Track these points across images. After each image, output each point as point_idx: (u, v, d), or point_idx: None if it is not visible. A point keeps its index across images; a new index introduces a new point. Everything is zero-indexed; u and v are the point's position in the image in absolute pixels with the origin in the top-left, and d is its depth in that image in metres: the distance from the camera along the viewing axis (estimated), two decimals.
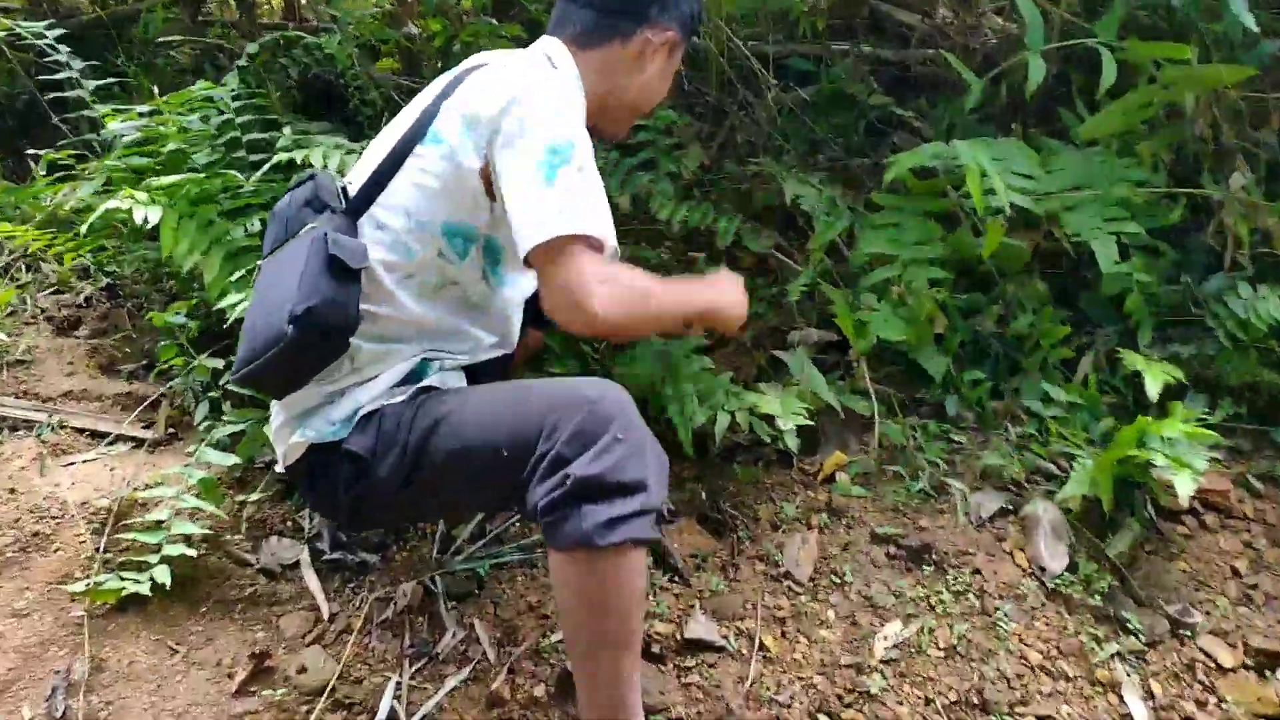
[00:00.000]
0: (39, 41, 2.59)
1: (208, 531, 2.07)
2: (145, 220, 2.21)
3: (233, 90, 2.88)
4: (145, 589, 1.97)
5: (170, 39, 3.51)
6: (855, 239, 2.62)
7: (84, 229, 2.25)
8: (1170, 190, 2.44)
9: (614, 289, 1.56)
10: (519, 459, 1.59)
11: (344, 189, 1.81)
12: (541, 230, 1.54)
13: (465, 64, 1.85)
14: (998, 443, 2.37)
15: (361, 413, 1.72)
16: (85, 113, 2.65)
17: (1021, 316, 2.52)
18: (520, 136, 1.61)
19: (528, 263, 1.58)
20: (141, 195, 2.25)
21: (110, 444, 2.34)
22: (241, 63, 2.93)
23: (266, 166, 2.43)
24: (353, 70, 3.03)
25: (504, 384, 1.77)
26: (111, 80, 3.06)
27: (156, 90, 2.70)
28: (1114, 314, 2.52)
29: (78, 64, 2.62)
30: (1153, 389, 2.21)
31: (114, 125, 2.47)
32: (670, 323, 1.74)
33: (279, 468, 1.83)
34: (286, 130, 2.63)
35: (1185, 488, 1.99)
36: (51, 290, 2.75)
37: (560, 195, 1.55)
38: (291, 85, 3.27)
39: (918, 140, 3.08)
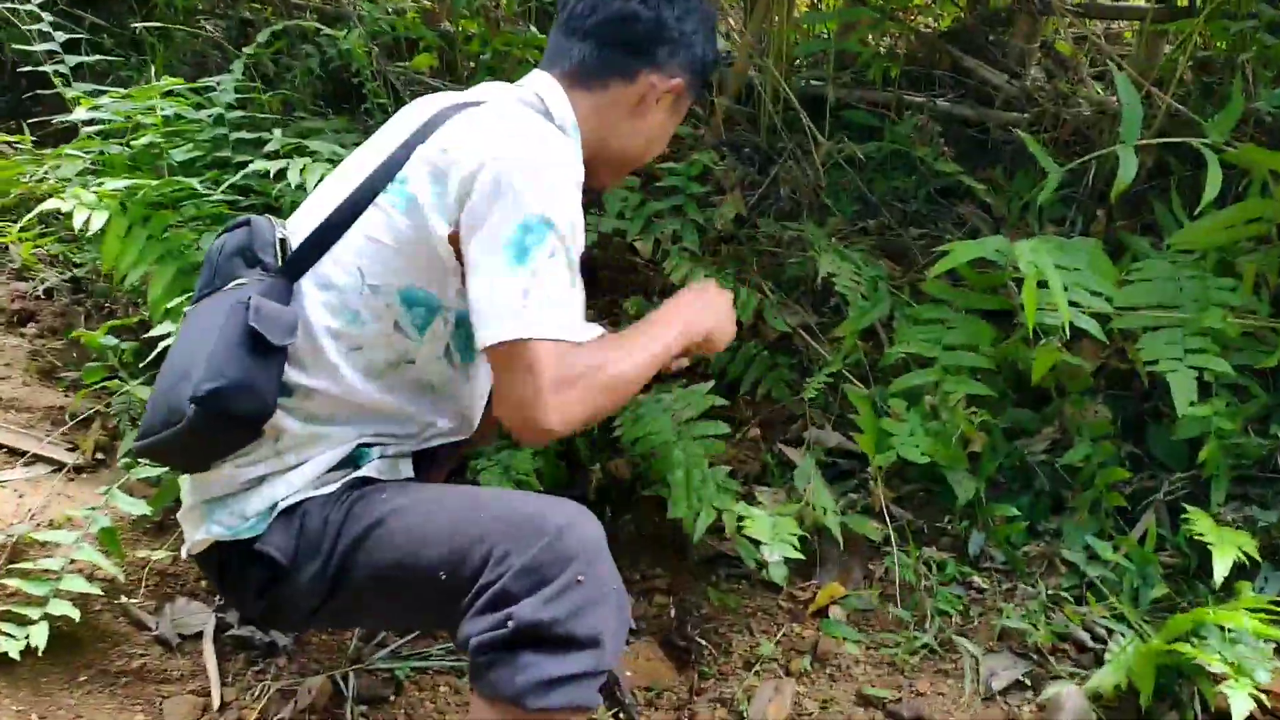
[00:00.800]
0: (20, 7, 2.36)
1: (98, 592, 1.82)
2: (87, 224, 1.97)
3: (236, 79, 2.64)
4: (16, 650, 1.73)
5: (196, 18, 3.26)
6: (894, 329, 2.28)
7: (19, 225, 2.01)
8: (1272, 323, 2.06)
9: (570, 395, 1.33)
10: (458, 586, 1.35)
11: (283, 240, 1.54)
12: (499, 328, 1.32)
13: (450, 100, 1.57)
14: (1025, 597, 2.02)
15: (281, 507, 1.45)
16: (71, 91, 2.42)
17: (1077, 445, 2.15)
18: (492, 207, 1.34)
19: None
20: (89, 195, 2.01)
21: (27, 464, 2.10)
22: (249, 50, 2.68)
23: (237, 176, 2.18)
24: (370, 67, 2.77)
25: (454, 489, 1.50)
26: (114, 56, 2.85)
27: (143, 70, 2.46)
28: (1186, 460, 2.14)
29: (62, 36, 2.37)
30: (1220, 567, 1.83)
31: (80, 112, 2.23)
32: (646, 379, 1.49)
33: (184, 553, 1.57)
34: (278, 133, 2.37)
35: (1241, 706, 1.63)
36: (13, 276, 2.53)
37: (524, 285, 1.31)
38: (317, 76, 3.02)
39: (986, 216, 2.72)
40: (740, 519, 1.90)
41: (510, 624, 1.28)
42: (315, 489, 1.47)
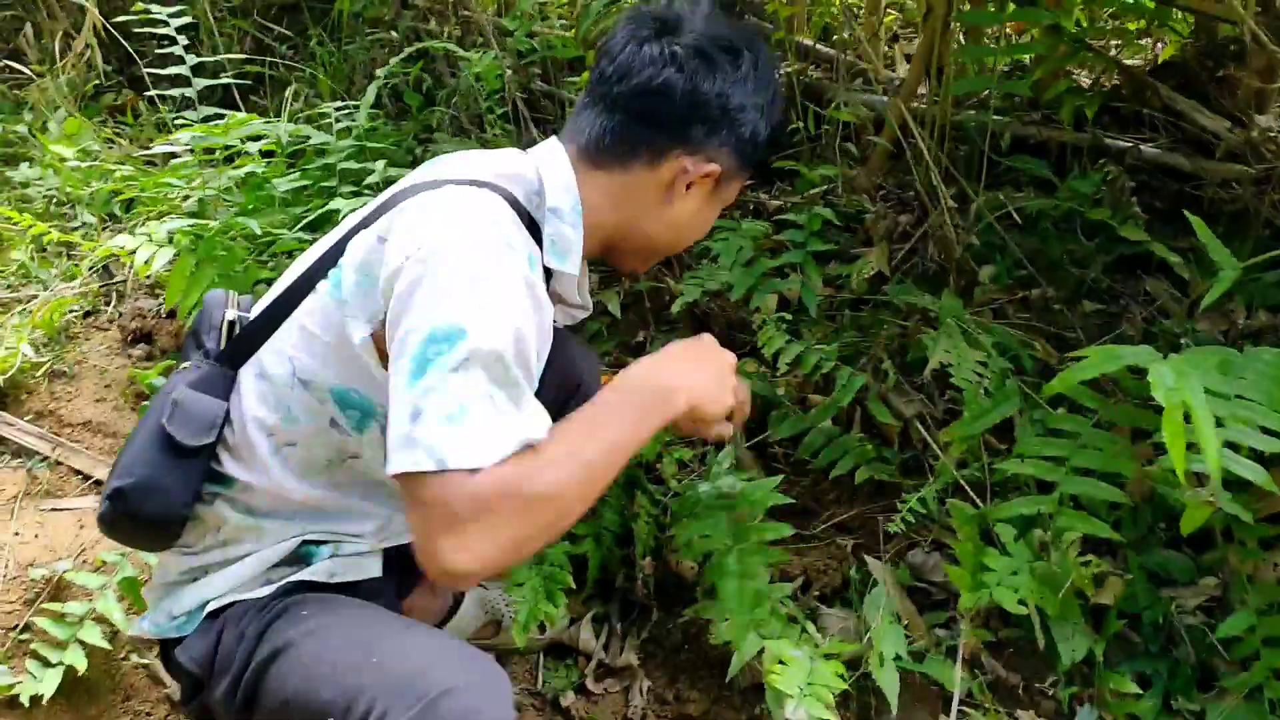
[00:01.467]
0: (158, 31, 2.40)
1: (107, 646, 1.81)
2: (149, 261, 1.96)
3: (369, 103, 2.60)
4: (27, 695, 1.75)
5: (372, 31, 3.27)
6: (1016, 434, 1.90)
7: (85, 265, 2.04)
8: None
9: (471, 532, 1.08)
10: None
11: (233, 323, 1.43)
12: (394, 455, 1.11)
13: (424, 175, 1.40)
14: None
15: (210, 608, 1.36)
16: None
17: (1239, 611, 1.70)
18: (404, 313, 1.16)
19: None
20: (161, 232, 2.00)
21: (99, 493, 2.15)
22: (380, 73, 2.63)
23: (312, 216, 2.12)
24: (499, 93, 2.65)
25: (374, 618, 1.33)
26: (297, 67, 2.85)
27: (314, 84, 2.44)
28: None
29: (192, 59, 2.40)
30: None
31: (180, 136, 2.24)
32: (602, 482, 1.21)
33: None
34: (380, 165, 2.30)
35: None
36: (146, 292, 2.62)
37: (415, 406, 1.11)
38: (461, 98, 2.94)
39: (1180, 295, 2.24)
40: (778, 661, 1.63)
41: None
42: (248, 591, 1.37)
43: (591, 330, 2.52)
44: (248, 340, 1.39)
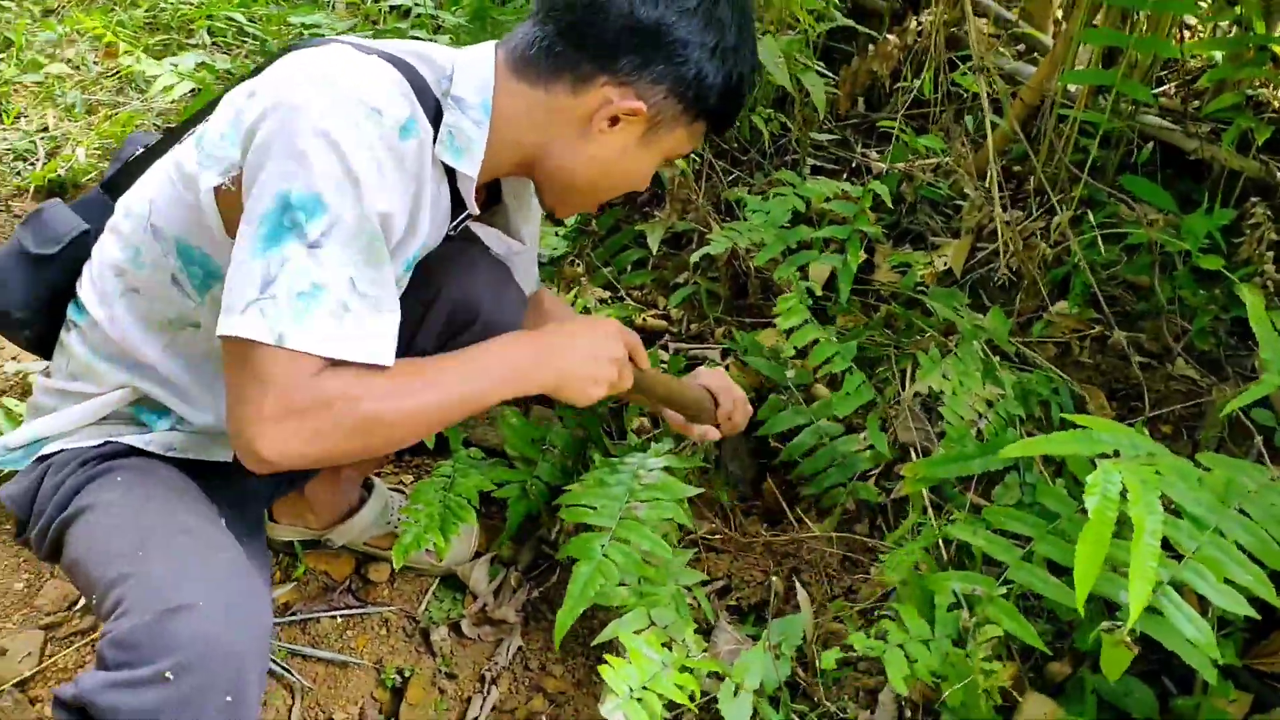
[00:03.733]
0: None
1: None
2: (170, 89, 1.94)
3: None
4: None
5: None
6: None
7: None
8: None
9: (293, 427, 1.10)
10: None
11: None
12: (228, 320, 1.09)
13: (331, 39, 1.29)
14: None
15: (42, 448, 1.36)
16: None
17: None
18: (260, 169, 1.10)
19: None
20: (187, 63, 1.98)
21: None
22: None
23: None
24: None
25: (162, 509, 1.27)
26: None
27: None
28: None
29: None
30: None
31: None
32: (437, 425, 1.25)
33: None
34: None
35: None
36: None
37: (269, 273, 1.07)
38: None
39: None
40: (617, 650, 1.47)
41: (71, 692, 1.06)
42: (79, 439, 1.34)
43: (630, 259, 2.35)
44: (128, 174, 1.36)
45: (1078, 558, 1.17)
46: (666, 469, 1.64)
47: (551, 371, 1.30)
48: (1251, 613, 1.19)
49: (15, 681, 1.63)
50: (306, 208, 1.07)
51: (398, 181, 1.15)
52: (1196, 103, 2.21)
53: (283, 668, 1.67)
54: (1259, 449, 1.60)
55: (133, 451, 1.34)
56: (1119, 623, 1.24)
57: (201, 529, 1.25)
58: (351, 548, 1.85)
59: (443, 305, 1.45)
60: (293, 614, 1.77)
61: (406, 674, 1.68)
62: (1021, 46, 2.54)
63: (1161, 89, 2.29)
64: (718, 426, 1.72)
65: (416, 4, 2.33)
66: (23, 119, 2.68)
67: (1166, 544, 1.23)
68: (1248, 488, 1.29)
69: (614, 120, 1.25)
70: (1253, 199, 1.94)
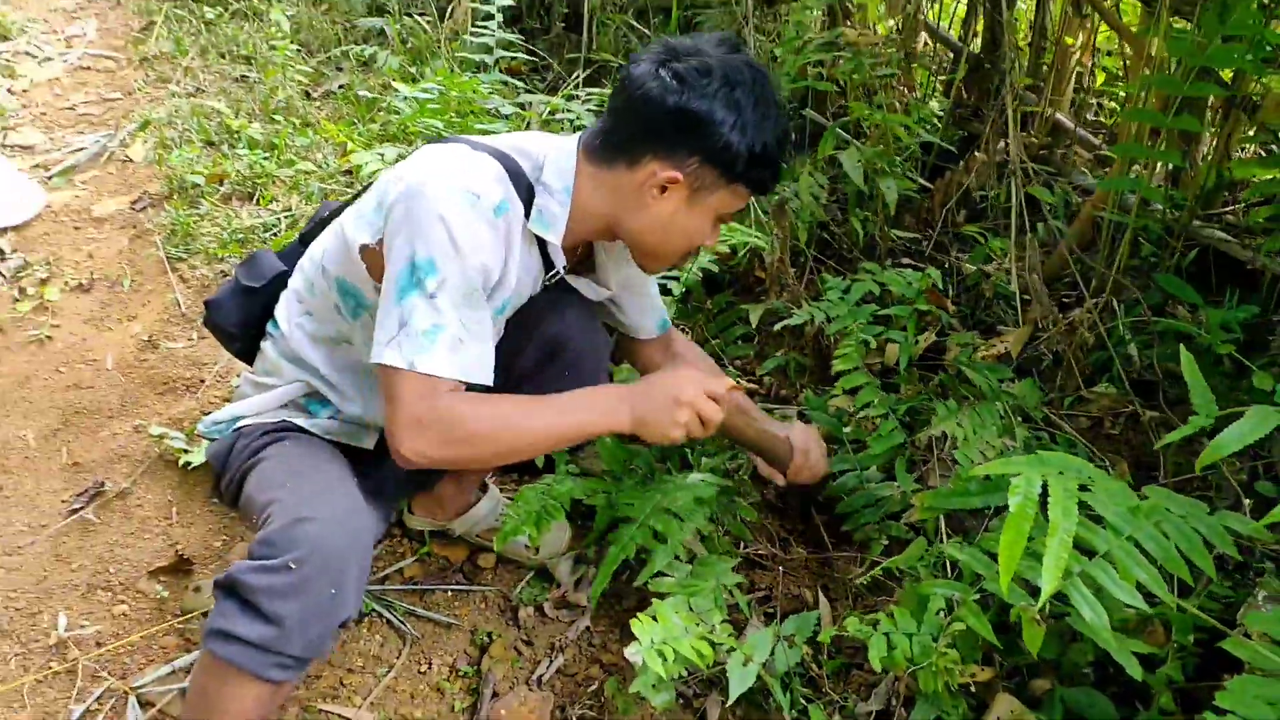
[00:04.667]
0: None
1: None
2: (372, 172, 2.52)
3: None
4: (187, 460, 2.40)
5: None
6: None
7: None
8: None
9: (422, 437, 1.52)
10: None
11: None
12: (376, 351, 1.53)
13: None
14: None
15: (239, 423, 1.84)
16: None
17: None
18: (395, 238, 1.56)
19: None
20: (391, 154, 2.56)
21: None
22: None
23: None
24: None
25: (311, 462, 1.73)
26: None
27: None
28: None
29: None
30: None
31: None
32: (536, 450, 1.67)
33: None
34: None
35: None
36: None
37: (401, 319, 1.51)
38: None
39: None
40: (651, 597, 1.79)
41: (225, 574, 1.48)
42: (261, 415, 1.83)
43: (737, 333, 2.73)
44: (317, 230, 1.86)
45: (1001, 547, 1.43)
46: (702, 480, 1.97)
47: (630, 415, 1.64)
48: (1142, 605, 1.40)
49: (203, 612, 2.12)
50: (425, 269, 1.50)
51: (491, 247, 1.58)
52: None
53: (399, 621, 2.08)
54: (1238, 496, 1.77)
55: (300, 430, 1.82)
56: (1034, 603, 1.47)
57: (333, 475, 1.69)
58: (466, 538, 2.26)
59: (539, 337, 1.85)
60: (415, 583, 2.19)
61: (494, 636, 2.06)
62: (1107, 168, 2.79)
63: (1231, 208, 2.48)
64: (784, 474, 2.05)
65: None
66: (275, 203, 3.38)
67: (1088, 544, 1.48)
68: (1174, 514, 1.50)
69: (662, 189, 1.62)
70: None
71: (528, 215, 1.67)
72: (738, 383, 2.16)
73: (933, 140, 2.70)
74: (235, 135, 3.79)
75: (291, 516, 1.49)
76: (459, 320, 1.52)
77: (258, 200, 3.41)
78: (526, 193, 1.66)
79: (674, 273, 2.64)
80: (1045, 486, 1.46)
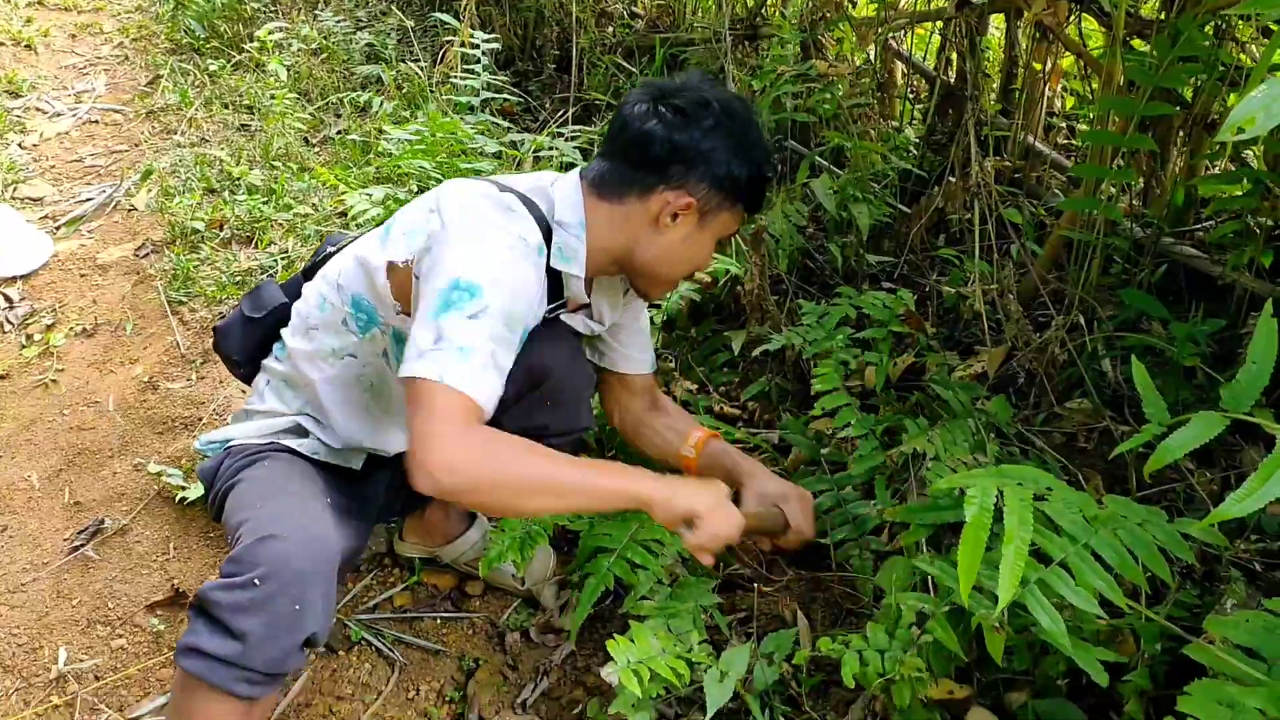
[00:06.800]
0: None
1: None
2: (359, 214, 2.60)
3: None
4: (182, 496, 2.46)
5: None
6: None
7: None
8: None
9: (463, 453, 1.48)
10: None
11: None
12: (410, 364, 1.53)
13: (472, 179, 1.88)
14: None
15: (230, 444, 1.91)
16: None
17: None
18: (437, 265, 1.62)
19: None
20: (378, 194, 2.63)
21: None
22: None
23: None
24: None
25: (284, 482, 1.79)
26: None
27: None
28: None
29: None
30: None
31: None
32: (555, 506, 1.63)
33: None
34: None
35: None
36: None
37: (438, 334, 1.54)
38: None
39: None
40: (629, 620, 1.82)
41: (197, 593, 1.54)
42: (249, 436, 1.89)
43: (720, 360, 2.78)
44: (321, 264, 1.95)
45: (959, 556, 1.46)
46: None
47: (696, 506, 1.67)
48: (1099, 611, 1.43)
49: None
50: (470, 290, 1.54)
51: (534, 287, 1.67)
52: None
53: (388, 649, 2.12)
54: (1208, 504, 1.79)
55: (288, 450, 1.88)
56: (991, 610, 1.49)
57: (305, 494, 1.74)
58: (455, 566, 2.30)
59: (522, 365, 1.85)
60: (404, 611, 2.23)
61: (480, 662, 2.10)
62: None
63: (1203, 224, 2.52)
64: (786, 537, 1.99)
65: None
66: (273, 245, 3.47)
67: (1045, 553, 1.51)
68: (1131, 522, 1.53)
69: (675, 216, 1.71)
70: (1252, 314, 2.16)
71: (549, 252, 1.75)
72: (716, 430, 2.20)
73: (909, 167, 2.76)
74: (236, 182, 3.89)
75: (258, 535, 1.54)
76: (491, 349, 1.55)
77: (256, 244, 3.50)
78: (546, 234, 1.74)
79: (655, 303, 2.70)
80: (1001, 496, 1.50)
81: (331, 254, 1.96)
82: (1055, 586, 1.47)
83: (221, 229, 3.61)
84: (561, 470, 1.59)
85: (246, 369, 2.02)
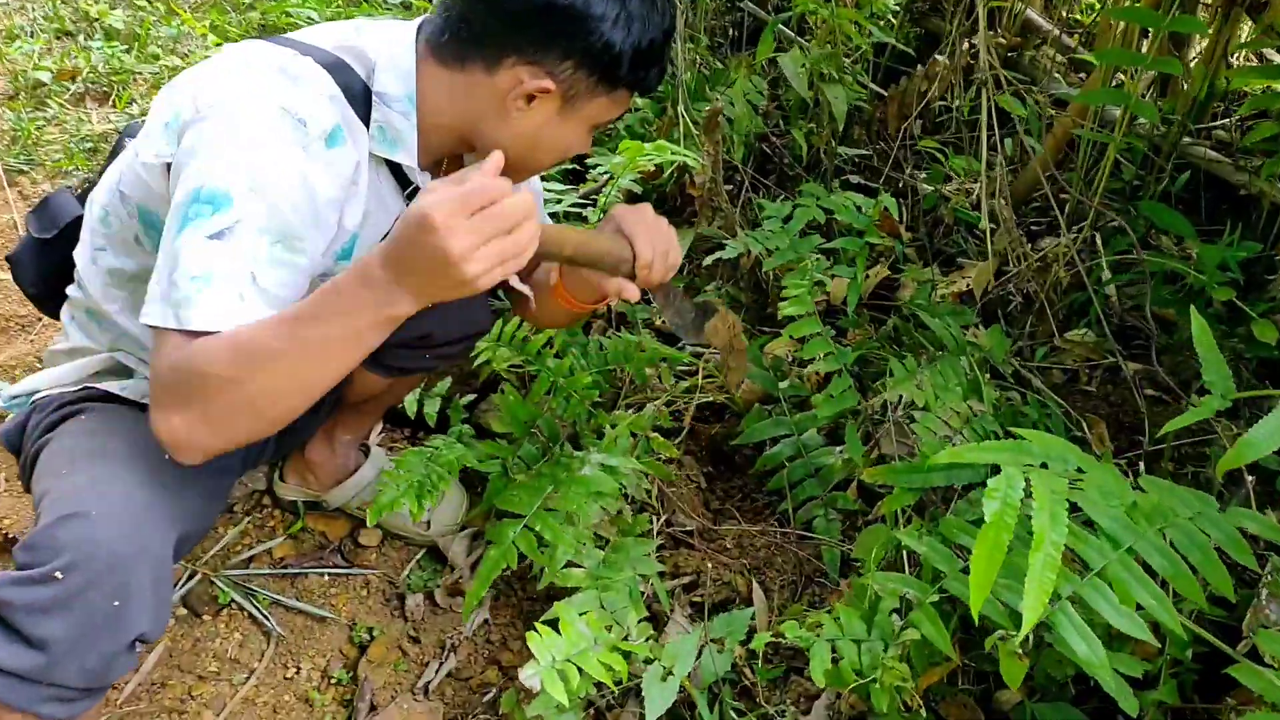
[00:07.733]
0: None
1: None
2: None
3: None
4: None
5: None
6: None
7: None
8: None
9: (180, 415, 1.13)
10: None
11: None
12: (146, 305, 1.17)
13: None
14: None
15: (35, 396, 1.50)
16: None
17: None
18: (186, 164, 1.19)
19: None
20: None
21: None
22: None
23: None
24: None
25: (99, 442, 1.36)
26: None
27: None
28: None
29: None
30: None
31: None
32: (321, 383, 1.16)
33: None
34: None
35: None
36: None
37: (174, 262, 1.14)
38: None
39: None
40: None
41: None
42: (58, 385, 1.47)
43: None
44: (113, 158, 1.48)
45: (974, 562, 1.16)
46: (604, 467, 1.66)
47: (408, 302, 1.12)
48: (1149, 638, 1.14)
49: None
50: (213, 203, 1.13)
51: (326, 185, 1.22)
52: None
53: (263, 614, 1.77)
54: (1248, 490, 1.51)
55: (109, 397, 1.46)
56: (1013, 633, 1.20)
57: (125, 456, 1.31)
58: (346, 510, 1.94)
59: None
60: (284, 567, 1.87)
61: (375, 633, 1.76)
62: (1084, 74, 2.47)
63: (1221, 121, 2.19)
64: (634, 278, 1.42)
65: None
66: (134, 105, 2.93)
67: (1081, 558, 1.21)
68: (1179, 514, 1.24)
69: (529, 99, 1.28)
70: None
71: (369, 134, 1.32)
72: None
73: (887, 39, 2.34)
74: (93, 23, 3.28)
75: (59, 513, 1.17)
76: (249, 272, 1.15)
77: (114, 102, 2.95)
78: (363, 106, 1.31)
79: (591, 198, 2.29)
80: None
81: (117, 152, 1.50)
82: (1093, 603, 1.17)
83: (73, 81, 3.03)
84: (295, 354, 1.11)
85: (51, 304, 1.58)
